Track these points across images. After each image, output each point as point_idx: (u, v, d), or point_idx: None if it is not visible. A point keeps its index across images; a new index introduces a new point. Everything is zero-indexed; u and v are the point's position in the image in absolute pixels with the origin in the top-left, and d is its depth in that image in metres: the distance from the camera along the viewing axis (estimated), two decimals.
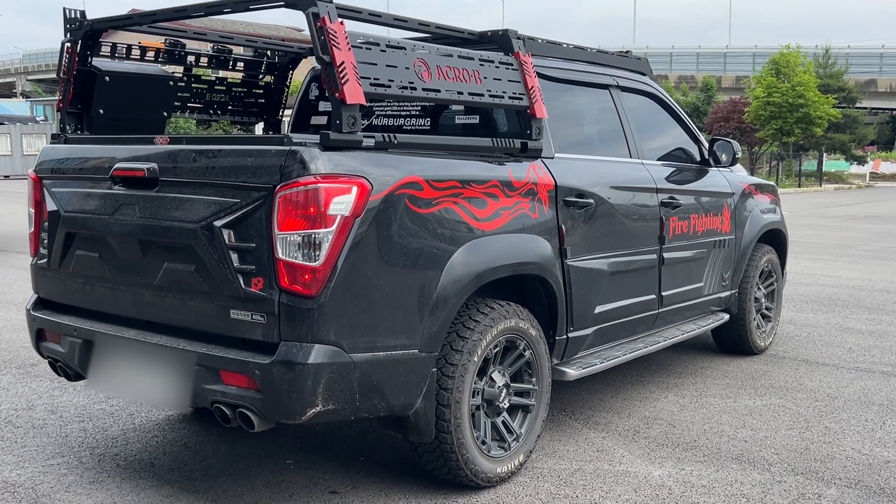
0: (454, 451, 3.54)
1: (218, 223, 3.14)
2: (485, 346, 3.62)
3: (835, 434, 4.52)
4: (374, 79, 3.20)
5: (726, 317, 5.83)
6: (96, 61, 4.08)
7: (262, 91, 5.10)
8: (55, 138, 4.00)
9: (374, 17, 3.55)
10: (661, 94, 5.34)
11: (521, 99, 3.88)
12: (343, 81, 3.04)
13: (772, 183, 6.62)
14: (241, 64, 4.97)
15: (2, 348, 6.20)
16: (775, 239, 6.41)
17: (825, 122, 35.93)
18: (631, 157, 4.86)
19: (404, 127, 4.53)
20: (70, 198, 3.74)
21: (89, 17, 3.92)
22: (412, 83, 3.36)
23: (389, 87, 3.27)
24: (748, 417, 4.77)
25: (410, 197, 3.29)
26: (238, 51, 4.89)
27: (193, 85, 4.66)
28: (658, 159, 5.20)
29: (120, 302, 3.58)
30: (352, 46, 3.13)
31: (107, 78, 4.07)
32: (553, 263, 3.99)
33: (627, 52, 5.31)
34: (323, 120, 4.89)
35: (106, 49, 4.19)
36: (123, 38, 4.48)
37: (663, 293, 4.97)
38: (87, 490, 3.72)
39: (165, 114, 4.47)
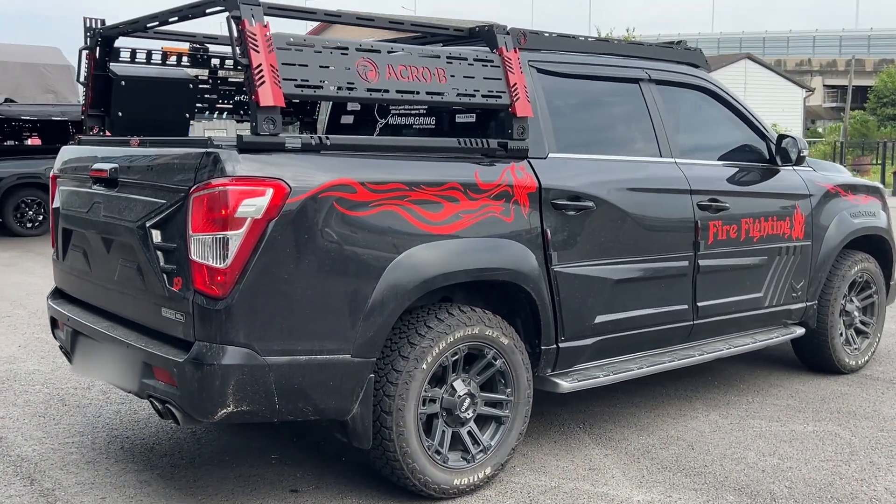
0: (398, 460, 3.45)
1: (148, 223, 3.25)
2: (437, 353, 3.50)
3: (876, 470, 3.99)
4: (302, 80, 3.18)
5: (801, 331, 5.27)
6: (115, 66, 4.33)
7: None
8: (72, 140, 4.29)
9: (333, 17, 3.53)
10: (715, 86, 4.89)
11: (500, 97, 3.71)
12: (258, 84, 3.05)
13: (875, 184, 5.90)
14: None
15: None
16: (878, 246, 5.74)
17: None
18: (661, 155, 4.50)
19: (414, 126, 4.47)
20: (67, 196, 4.00)
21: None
22: (351, 83, 3.31)
23: (321, 87, 3.24)
24: (785, 444, 4.30)
25: (340, 199, 3.24)
26: None
27: (221, 87, 4.82)
28: (710, 159, 4.80)
29: (96, 295, 3.80)
30: (277, 48, 3.12)
31: (122, 82, 4.31)
32: (532, 269, 3.78)
33: (678, 42, 4.91)
34: (351, 120, 4.92)
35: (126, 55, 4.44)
36: (156, 45, 4.70)
37: (700, 303, 4.58)
38: (77, 469, 3.97)
39: (188, 115, 4.66)
